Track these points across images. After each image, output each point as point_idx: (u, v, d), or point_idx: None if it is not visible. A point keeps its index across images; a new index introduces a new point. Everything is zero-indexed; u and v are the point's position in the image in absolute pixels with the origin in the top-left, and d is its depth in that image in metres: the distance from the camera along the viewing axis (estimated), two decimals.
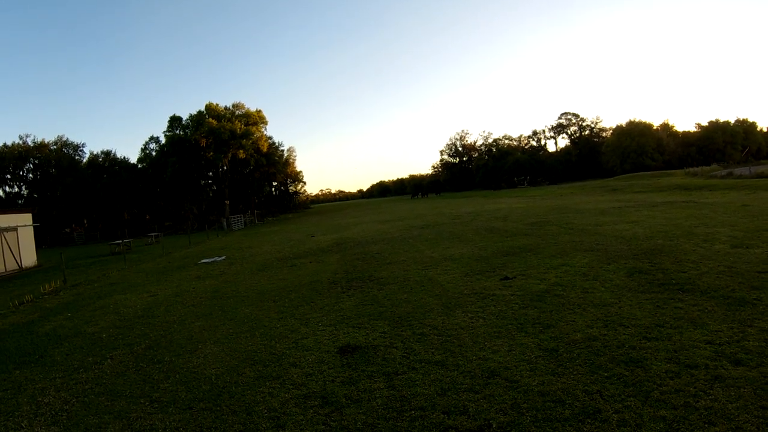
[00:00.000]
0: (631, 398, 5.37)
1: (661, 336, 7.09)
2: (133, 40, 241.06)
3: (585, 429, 4.87)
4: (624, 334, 7.34)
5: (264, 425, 5.72)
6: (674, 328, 7.38)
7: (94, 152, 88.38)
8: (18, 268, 31.55)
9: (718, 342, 6.65)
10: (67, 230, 79.09)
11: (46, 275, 25.90)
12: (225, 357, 8.48)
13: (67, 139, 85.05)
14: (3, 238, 30.53)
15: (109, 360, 9.12)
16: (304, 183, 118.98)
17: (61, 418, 6.67)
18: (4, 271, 30.11)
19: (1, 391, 8.11)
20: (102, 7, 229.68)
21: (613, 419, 4.98)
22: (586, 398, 5.47)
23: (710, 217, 19.38)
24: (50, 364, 9.29)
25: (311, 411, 5.94)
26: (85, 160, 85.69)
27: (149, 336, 10.56)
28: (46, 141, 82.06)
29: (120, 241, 39.99)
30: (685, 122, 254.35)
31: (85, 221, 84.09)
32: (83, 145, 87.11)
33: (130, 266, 26.50)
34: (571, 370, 6.27)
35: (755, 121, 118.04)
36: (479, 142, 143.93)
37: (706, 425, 4.71)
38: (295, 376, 7.17)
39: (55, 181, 78.15)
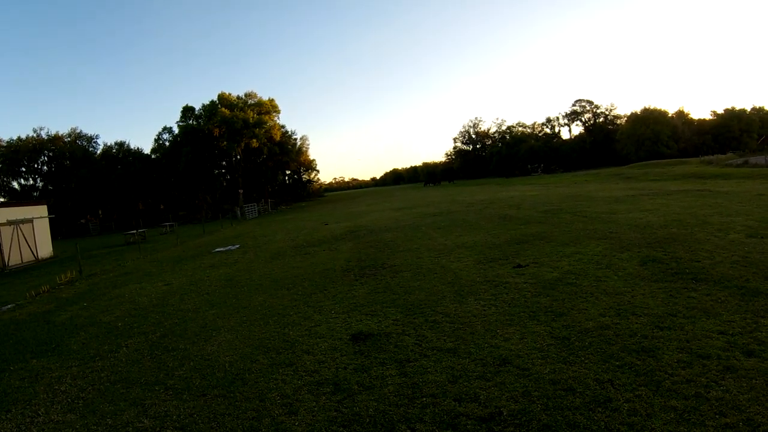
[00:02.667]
0: (642, 388, 5.37)
1: (673, 325, 7.07)
2: (146, 31, 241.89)
3: (596, 417, 4.88)
4: (636, 323, 7.32)
5: (276, 411, 5.78)
6: (687, 317, 7.36)
7: (108, 143, 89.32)
8: (34, 259, 31.88)
9: (730, 332, 6.62)
10: (83, 221, 79.62)
11: (62, 266, 26.15)
12: (238, 344, 8.55)
13: (81, 131, 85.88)
14: (19, 230, 30.81)
15: (124, 348, 9.23)
16: (318, 171, 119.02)
17: (78, 405, 6.77)
18: (20, 262, 30.41)
19: (19, 379, 8.23)
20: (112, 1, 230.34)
21: (624, 408, 4.99)
22: (597, 387, 5.48)
23: (725, 206, 19.20)
24: (66, 353, 9.41)
25: (323, 398, 6.00)
26: (98, 152, 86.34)
27: (164, 324, 10.67)
28: (60, 133, 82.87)
29: (135, 231, 40.25)
30: (701, 110, 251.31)
31: (100, 212, 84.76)
32: (97, 136, 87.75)
33: (145, 256, 26.70)
34: (582, 358, 6.27)
35: None
36: (493, 130, 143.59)
37: (717, 416, 4.71)
38: (307, 363, 7.23)
39: (69, 172, 78.83)
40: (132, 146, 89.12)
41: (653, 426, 4.64)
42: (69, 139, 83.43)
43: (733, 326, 6.83)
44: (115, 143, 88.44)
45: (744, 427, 4.50)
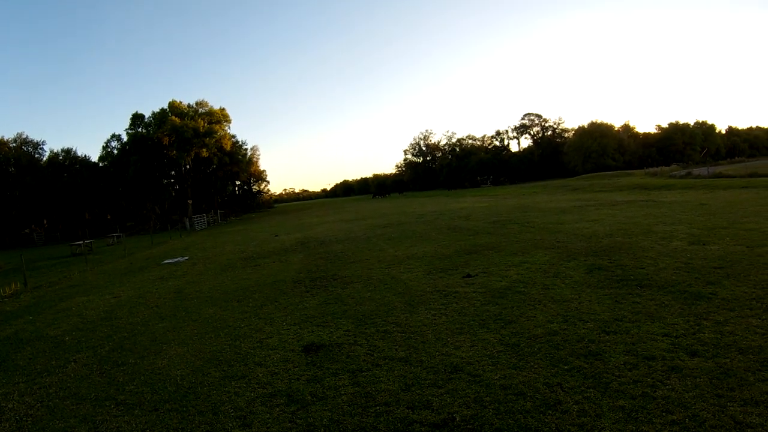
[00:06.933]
0: (591, 389, 5.53)
1: (619, 330, 7.31)
2: (96, 36, 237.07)
3: (546, 420, 5.00)
4: (583, 328, 7.53)
5: (230, 424, 5.75)
6: (632, 322, 7.61)
7: (55, 150, 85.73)
8: None
9: (674, 335, 6.88)
10: (27, 231, 77.02)
11: (5, 278, 25.27)
12: (190, 358, 8.45)
13: (27, 136, 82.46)
14: None
15: (72, 363, 9.01)
16: (268, 182, 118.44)
17: (26, 423, 6.58)
18: None
19: None
20: (63, 4, 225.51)
21: (574, 410, 5.14)
22: (547, 390, 5.62)
23: (669, 216, 19.86)
24: (13, 369, 9.13)
25: (277, 409, 5.98)
26: (45, 159, 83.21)
27: (113, 338, 10.44)
28: (5, 139, 79.71)
29: (81, 242, 39.16)
30: (646, 124, 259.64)
31: (45, 221, 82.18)
32: (43, 143, 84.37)
33: (92, 267, 26.03)
34: (532, 364, 6.42)
35: (714, 123, 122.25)
36: (443, 142, 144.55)
37: (663, 414, 4.90)
38: (260, 375, 7.19)
39: (14, 180, 76.13)
40: (79, 153, 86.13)
41: (602, 426, 4.79)
42: (14, 144, 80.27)
43: (676, 329, 7.10)
44: (62, 150, 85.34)
45: (690, 422, 4.70)
